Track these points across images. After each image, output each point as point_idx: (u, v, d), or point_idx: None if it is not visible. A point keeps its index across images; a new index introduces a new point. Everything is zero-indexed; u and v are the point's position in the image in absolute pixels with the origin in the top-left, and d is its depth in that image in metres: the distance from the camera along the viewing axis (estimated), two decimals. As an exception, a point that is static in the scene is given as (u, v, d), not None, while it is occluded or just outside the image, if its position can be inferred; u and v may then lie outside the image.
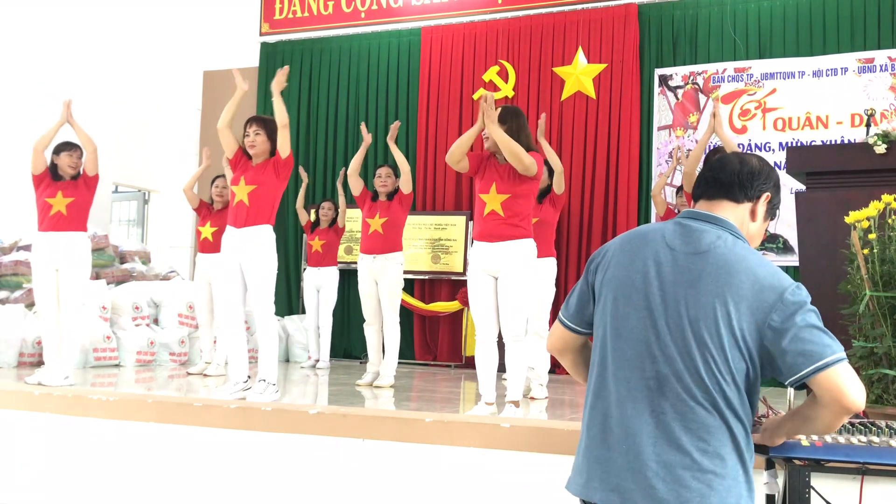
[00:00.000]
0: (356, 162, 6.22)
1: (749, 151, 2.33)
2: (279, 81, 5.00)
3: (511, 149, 4.31)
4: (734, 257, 1.85)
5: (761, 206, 1.99)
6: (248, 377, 4.90)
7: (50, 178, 5.46)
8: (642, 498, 1.81)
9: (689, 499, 1.78)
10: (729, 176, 1.99)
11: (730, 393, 1.80)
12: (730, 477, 1.80)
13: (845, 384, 1.75)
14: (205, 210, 6.90)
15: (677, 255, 1.89)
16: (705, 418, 1.80)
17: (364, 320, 6.25)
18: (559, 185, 5.81)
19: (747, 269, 1.83)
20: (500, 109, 4.53)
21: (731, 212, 1.97)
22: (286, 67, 5.13)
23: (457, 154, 4.52)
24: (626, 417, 1.86)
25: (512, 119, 4.46)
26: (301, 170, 8.08)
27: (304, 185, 7.95)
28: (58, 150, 5.53)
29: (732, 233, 1.92)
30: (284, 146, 4.86)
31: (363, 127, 6.20)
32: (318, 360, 7.76)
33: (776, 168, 2.11)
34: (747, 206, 1.98)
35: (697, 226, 1.93)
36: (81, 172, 5.52)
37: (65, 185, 5.46)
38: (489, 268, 4.39)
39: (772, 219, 2.09)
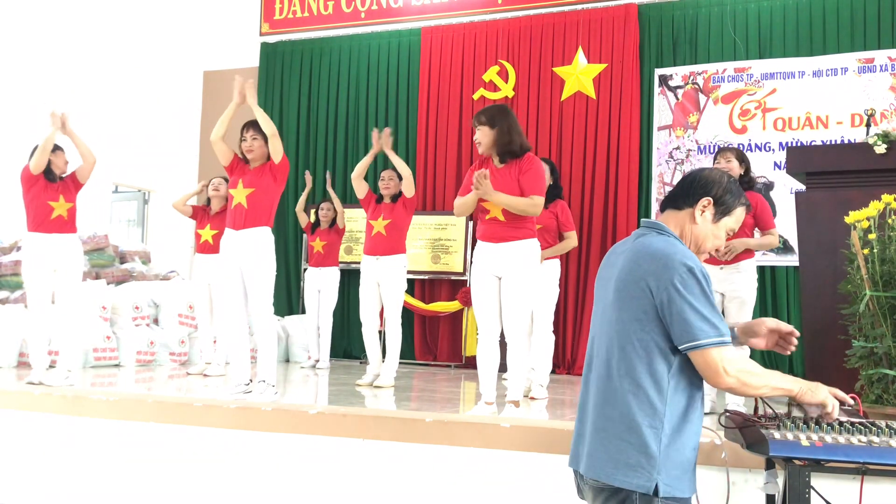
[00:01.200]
0: (362, 167, 6.14)
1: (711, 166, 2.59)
2: (251, 94, 5.03)
3: (518, 207, 4.29)
4: (641, 247, 2.15)
5: (699, 210, 2.25)
6: (251, 380, 4.92)
7: (45, 179, 5.47)
8: (580, 463, 2.19)
9: (596, 460, 2.10)
10: (675, 188, 2.32)
11: (633, 364, 2.07)
12: (624, 441, 2.06)
13: (708, 367, 2.04)
14: (201, 213, 6.89)
15: (613, 256, 2.25)
16: (607, 388, 2.12)
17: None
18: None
19: (647, 254, 2.11)
20: (486, 110, 4.47)
21: (672, 218, 2.28)
22: (249, 81, 5.11)
23: (465, 213, 4.55)
24: (581, 394, 2.27)
25: (502, 120, 4.40)
26: (307, 174, 8.04)
27: (306, 189, 7.93)
28: (55, 147, 5.55)
29: (658, 231, 2.22)
30: (276, 152, 4.91)
31: (375, 133, 6.12)
32: (318, 361, 7.76)
33: (728, 177, 2.33)
34: (688, 211, 2.26)
35: (638, 231, 2.26)
36: (69, 174, 5.60)
37: (63, 188, 5.50)
38: (493, 268, 4.39)
39: (730, 224, 2.28)
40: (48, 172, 5.50)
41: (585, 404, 2.21)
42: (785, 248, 7.48)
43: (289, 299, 9.38)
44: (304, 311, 8.83)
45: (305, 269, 8.07)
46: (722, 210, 2.25)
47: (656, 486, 2.03)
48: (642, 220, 2.31)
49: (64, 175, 5.61)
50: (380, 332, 6.24)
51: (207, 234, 6.72)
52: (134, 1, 9.35)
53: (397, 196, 6.19)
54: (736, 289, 4.55)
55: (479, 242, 4.48)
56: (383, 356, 6.18)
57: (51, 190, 5.46)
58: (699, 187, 2.25)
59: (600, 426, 2.11)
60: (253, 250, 4.84)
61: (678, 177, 8.01)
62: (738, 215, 2.28)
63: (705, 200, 2.23)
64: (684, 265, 2.05)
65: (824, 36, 7.67)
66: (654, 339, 2.07)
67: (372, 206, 6.23)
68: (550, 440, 3.57)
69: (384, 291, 6.06)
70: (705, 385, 2.12)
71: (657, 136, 8.14)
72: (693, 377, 2.10)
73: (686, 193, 2.26)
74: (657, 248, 2.11)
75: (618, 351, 2.11)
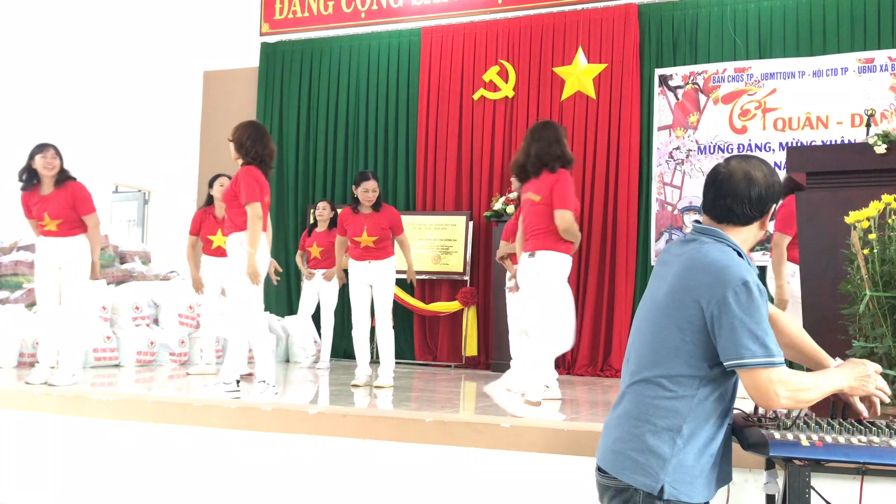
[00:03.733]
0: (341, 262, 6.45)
1: (743, 158, 2.44)
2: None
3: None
4: (697, 255, 2.12)
5: (769, 217, 2.22)
6: (238, 381, 4.91)
7: (30, 193, 5.45)
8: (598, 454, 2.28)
9: (608, 453, 2.17)
10: (728, 201, 2.20)
11: (665, 368, 2.07)
12: (638, 439, 2.08)
13: (756, 389, 2.00)
14: (209, 218, 6.68)
15: (668, 255, 2.22)
16: (636, 387, 2.13)
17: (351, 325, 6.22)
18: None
19: (702, 265, 2.08)
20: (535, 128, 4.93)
21: (732, 233, 2.20)
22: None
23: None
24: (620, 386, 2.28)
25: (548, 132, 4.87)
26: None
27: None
28: (33, 153, 5.42)
29: (715, 238, 2.16)
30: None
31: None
32: (317, 358, 7.74)
33: (772, 172, 2.26)
34: (755, 225, 2.22)
35: (692, 236, 2.21)
36: (65, 179, 5.42)
37: (48, 202, 5.38)
38: (530, 274, 4.92)
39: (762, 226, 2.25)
40: (31, 180, 5.44)
41: (619, 399, 2.21)
42: (785, 248, 7.47)
43: (289, 299, 9.38)
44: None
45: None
46: (772, 214, 2.24)
47: (662, 487, 2.03)
48: (693, 223, 2.25)
49: (60, 180, 5.41)
50: (371, 329, 6.22)
51: (220, 239, 6.54)
52: (134, 1, 9.35)
53: (377, 204, 6.11)
54: None
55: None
56: (373, 357, 6.16)
57: (37, 207, 5.41)
58: (766, 196, 2.18)
59: (621, 423, 2.14)
60: (232, 254, 5.06)
61: (678, 177, 8.01)
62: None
63: (774, 206, 2.21)
64: (740, 279, 2.01)
65: (824, 36, 7.66)
66: (692, 349, 2.06)
67: (350, 220, 6.08)
68: (551, 440, 3.57)
69: (377, 292, 6.04)
70: None
71: (657, 136, 8.14)
72: (726, 391, 2.10)
73: (753, 207, 2.17)
74: (713, 259, 2.07)
75: (652, 353, 2.11)
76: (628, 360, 2.22)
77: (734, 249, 2.14)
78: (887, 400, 2.19)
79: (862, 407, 2.21)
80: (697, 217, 5.15)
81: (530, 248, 4.84)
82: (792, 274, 5.52)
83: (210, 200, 6.80)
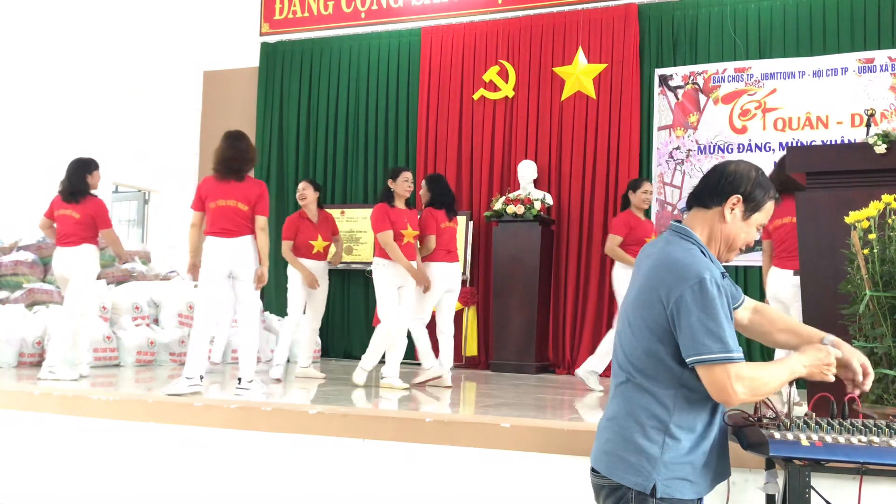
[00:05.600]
0: None
1: (739, 158, 2.38)
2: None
3: None
4: (663, 256, 2.13)
5: (729, 208, 2.18)
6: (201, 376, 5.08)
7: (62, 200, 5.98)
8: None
9: (600, 454, 2.19)
10: (702, 184, 2.24)
11: (643, 369, 2.10)
12: (627, 440, 2.10)
13: (713, 384, 2.01)
14: (305, 223, 6.49)
15: (643, 255, 2.24)
16: (620, 387, 2.16)
17: (370, 326, 6.20)
18: None
19: (665, 265, 2.09)
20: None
21: (699, 218, 2.21)
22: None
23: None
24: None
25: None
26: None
27: None
28: (92, 169, 5.99)
29: (682, 236, 2.17)
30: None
31: None
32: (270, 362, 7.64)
33: (756, 170, 2.24)
34: (717, 210, 2.19)
35: (666, 236, 2.21)
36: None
37: (77, 205, 5.96)
38: None
39: (760, 219, 2.22)
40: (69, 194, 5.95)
41: (609, 402, 2.24)
42: (785, 248, 7.47)
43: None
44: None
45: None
46: (752, 207, 2.18)
47: (654, 486, 2.06)
48: (672, 222, 2.24)
49: (93, 191, 6.01)
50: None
51: (320, 244, 6.49)
52: (134, 1, 9.35)
53: (412, 200, 6.19)
54: None
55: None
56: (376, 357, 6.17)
57: (68, 207, 5.94)
58: (727, 184, 2.18)
59: (611, 425, 2.17)
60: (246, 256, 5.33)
61: (678, 177, 8.01)
62: (767, 209, 2.21)
63: (734, 198, 2.17)
64: (697, 277, 2.02)
65: (824, 36, 7.67)
66: (663, 349, 2.08)
67: (399, 220, 6.00)
68: (550, 440, 3.57)
69: (409, 292, 6.05)
70: None
71: (657, 136, 8.14)
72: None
73: (713, 191, 2.19)
74: (675, 259, 2.09)
75: (630, 354, 2.14)
76: (615, 359, 2.25)
77: (699, 248, 2.14)
78: (832, 379, 2.16)
79: (859, 368, 2.17)
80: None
81: (794, 267, 4.91)
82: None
83: (295, 205, 6.62)
